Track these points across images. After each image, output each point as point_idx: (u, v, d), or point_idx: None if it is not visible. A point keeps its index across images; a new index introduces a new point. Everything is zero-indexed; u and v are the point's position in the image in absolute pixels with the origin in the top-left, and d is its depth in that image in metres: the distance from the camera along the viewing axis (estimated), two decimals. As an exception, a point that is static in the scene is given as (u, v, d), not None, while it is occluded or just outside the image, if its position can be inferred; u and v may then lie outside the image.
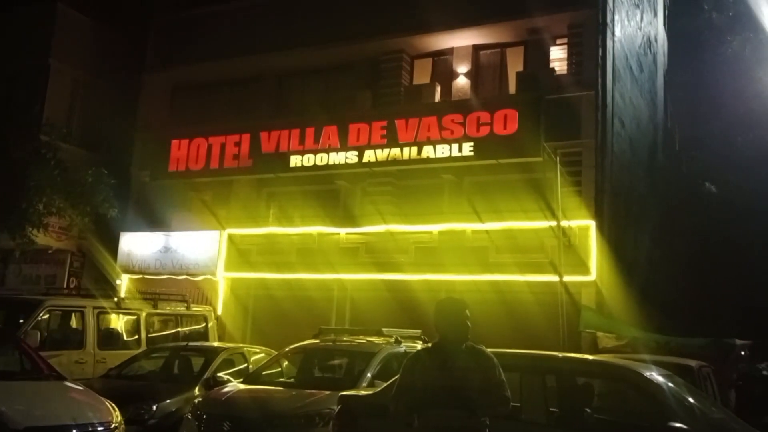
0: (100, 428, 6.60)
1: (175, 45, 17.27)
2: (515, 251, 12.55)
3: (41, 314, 10.29)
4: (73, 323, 11.09)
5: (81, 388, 7.29)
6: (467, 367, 4.54)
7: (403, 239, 13.55)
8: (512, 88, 14.06)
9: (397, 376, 6.54)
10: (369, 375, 8.40)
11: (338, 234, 14.24)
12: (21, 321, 10.02)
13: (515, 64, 14.37)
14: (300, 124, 14.59)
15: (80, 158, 15.59)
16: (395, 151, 13.59)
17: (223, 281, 14.93)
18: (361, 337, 9.79)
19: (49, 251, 16.06)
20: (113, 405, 6.98)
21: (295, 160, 14.42)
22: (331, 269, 13.86)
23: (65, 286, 15.97)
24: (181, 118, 17.02)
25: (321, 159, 14.21)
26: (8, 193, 12.58)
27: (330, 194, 14.86)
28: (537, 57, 13.98)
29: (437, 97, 14.24)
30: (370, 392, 6.86)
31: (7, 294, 13.12)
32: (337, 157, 14.07)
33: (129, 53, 17.81)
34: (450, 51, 14.73)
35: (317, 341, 9.68)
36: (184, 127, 16.27)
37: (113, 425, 6.74)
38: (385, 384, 6.79)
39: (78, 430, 6.39)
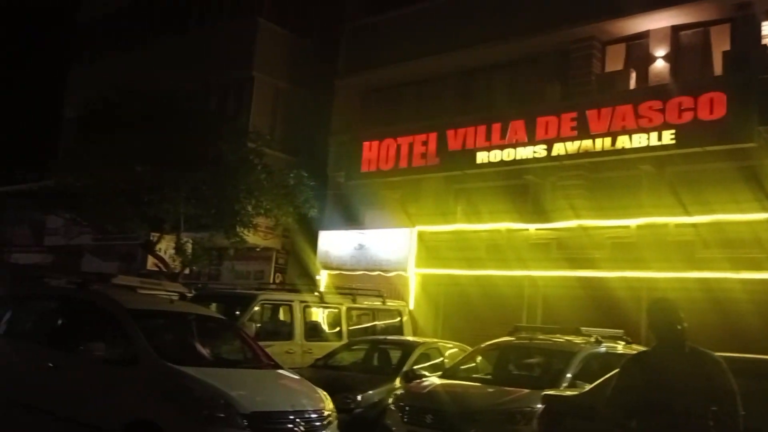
0: (314, 415, 6.98)
1: (363, 50, 17.98)
2: (726, 246, 11.52)
3: (255, 307, 11.22)
4: (282, 316, 11.98)
5: (297, 377, 7.80)
6: (691, 373, 4.22)
7: (597, 234, 13.00)
8: (718, 70, 12.92)
9: (605, 377, 6.34)
10: (569, 375, 8.18)
11: (528, 230, 14.00)
12: (237, 313, 10.99)
13: (721, 43, 13.17)
14: (486, 120, 14.54)
15: (283, 162, 16.77)
16: (587, 143, 13.08)
17: (414, 277, 15.30)
18: (557, 335, 9.56)
19: (257, 249, 17.43)
20: (326, 394, 7.40)
21: (481, 157, 14.41)
22: (522, 266, 13.66)
23: (272, 281, 17.29)
24: (371, 120, 17.70)
25: (508, 154, 14.07)
26: (223, 197, 13.80)
27: (518, 189, 14.66)
28: (746, 34, 12.68)
29: (632, 84, 13.47)
30: (576, 393, 6.68)
31: (225, 289, 14.49)
32: (525, 152, 13.85)
33: (322, 61, 18.84)
34: (646, 34, 13.85)
35: (512, 338, 9.60)
36: (375, 129, 16.89)
37: (326, 413, 7.12)
38: (591, 385, 6.58)
39: (295, 417, 6.77)
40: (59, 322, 7.71)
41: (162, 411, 6.27)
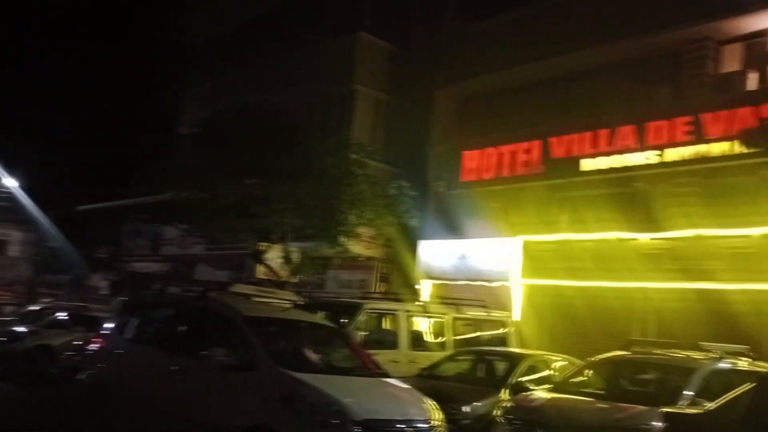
0: (423, 425, 7.00)
1: (462, 60, 17.94)
2: None
3: (361, 316, 11.38)
4: (387, 325, 12.08)
5: (406, 386, 7.85)
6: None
7: (714, 244, 12.35)
8: None
9: (732, 395, 6.00)
10: (689, 392, 7.77)
11: (638, 239, 13.49)
12: (343, 321, 11.18)
13: None
14: (592, 126, 14.20)
15: (384, 173, 17.01)
16: (702, 148, 12.50)
17: (517, 288, 15.06)
18: (674, 350, 9.12)
19: (360, 258, 17.72)
20: (435, 404, 7.40)
21: (587, 164, 14.06)
22: (632, 277, 13.17)
23: (374, 290, 17.50)
24: (471, 129, 17.62)
25: (616, 161, 13.64)
26: (327, 208, 14.14)
27: (627, 197, 14.15)
28: None
29: (752, 85, 12.73)
30: (699, 411, 6.37)
31: (330, 297, 14.80)
32: (635, 158, 13.41)
33: (421, 71, 18.96)
34: (765, 32, 13.08)
35: (626, 353, 9.25)
36: (475, 138, 16.82)
37: (435, 423, 7.12)
38: (714, 403, 6.25)
39: (405, 426, 6.83)
40: (181, 328, 8.13)
41: (279, 416, 6.48)
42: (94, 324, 16.68)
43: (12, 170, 34.34)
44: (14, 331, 17.04)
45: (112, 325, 9.52)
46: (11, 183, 34.43)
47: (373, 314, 11.82)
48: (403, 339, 11.53)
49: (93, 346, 9.40)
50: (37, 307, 21.94)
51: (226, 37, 23.48)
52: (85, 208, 24.23)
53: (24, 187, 34.06)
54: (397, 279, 17.86)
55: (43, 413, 11.34)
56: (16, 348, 16.29)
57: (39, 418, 10.93)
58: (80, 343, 15.14)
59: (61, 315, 18.03)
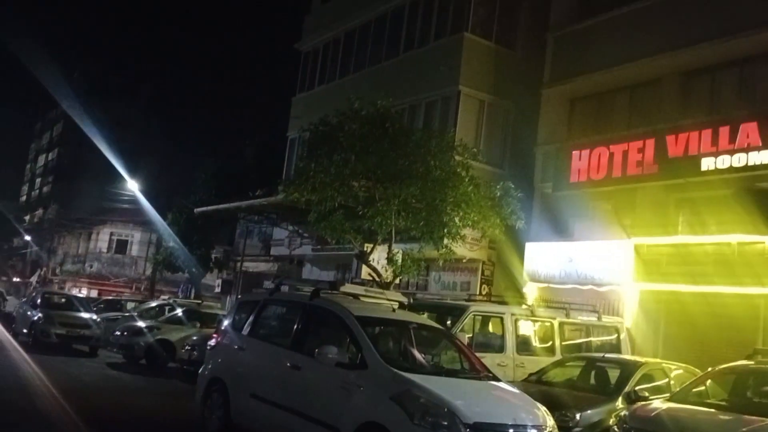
0: (533, 431, 6.90)
1: (570, 58, 17.48)
2: None
3: (467, 318, 11.33)
4: (493, 328, 11.97)
5: (516, 390, 7.77)
6: None
7: None
8: None
9: None
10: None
11: (763, 243, 12.62)
12: (449, 323, 11.17)
13: None
14: (712, 124, 13.44)
15: (489, 174, 16.86)
16: (835, 145, 11.55)
17: (630, 292, 14.49)
18: (806, 361, 8.53)
19: (464, 260, 17.63)
20: (546, 410, 7.27)
21: (707, 163, 13.32)
22: (756, 282, 12.34)
23: (478, 292, 17.38)
24: (580, 129, 17.14)
25: (739, 160, 12.86)
26: (432, 210, 14.16)
27: (751, 198, 13.29)
28: None
29: None
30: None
31: (435, 299, 14.83)
32: (759, 157, 12.58)
33: (527, 71, 18.66)
34: None
35: (751, 362, 8.73)
36: (584, 138, 16.35)
37: (547, 429, 7.00)
38: None
39: (516, 430, 6.76)
40: (295, 326, 8.39)
41: (390, 415, 6.57)
42: (210, 320, 17.59)
43: (134, 174, 36.75)
44: (135, 326, 18.18)
45: (228, 322, 9.97)
46: (133, 186, 36.80)
47: (479, 317, 11.75)
48: (510, 343, 11.40)
49: (212, 342, 9.87)
50: (156, 304, 23.36)
51: (335, 42, 24.07)
52: (202, 210, 25.47)
53: (144, 191, 36.34)
54: (502, 282, 17.63)
55: (165, 403, 12.07)
56: (138, 341, 17.38)
57: (161, 406, 11.66)
58: (196, 338, 16.00)
59: (179, 311, 19.06)
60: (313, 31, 25.37)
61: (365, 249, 15.47)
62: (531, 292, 16.29)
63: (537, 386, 9.76)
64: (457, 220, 14.43)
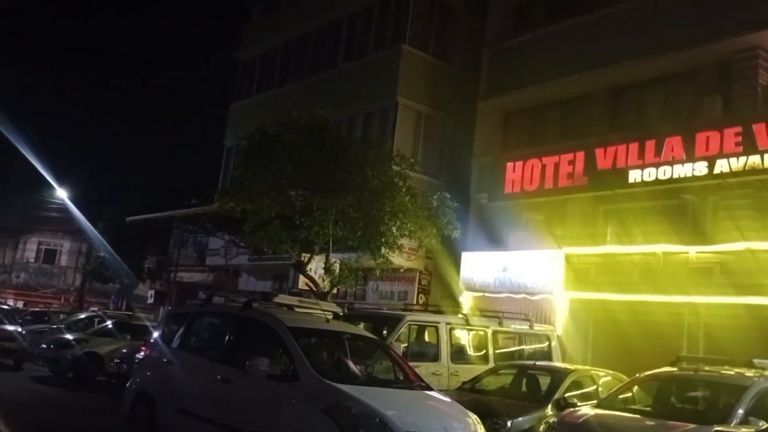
0: (465, 440, 6.95)
1: (505, 72, 17.89)
2: None
3: (402, 328, 11.34)
4: (428, 337, 12.03)
5: (448, 399, 7.81)
6: None
7: (767, 258, 11.97)
8: None
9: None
10: (741, 411, 7.55)
11: (687, 253, 13.15)
12: (385, 333, 11.17)
13: None
14: (638, 138, 13.93)
15: (426, 185, 17.01)
16: (754, 159, 12.17)
17: (561, 301, 14.84)
18: (726, 367, 8.88)
19: (401, 270, 17.70)
20: (477, 418, 7.33)
21: (634, 176, 13.80)
22: (680, 291, 12.84)
23: (415, 301, 17.46)
24: (514, 141, 17.54)
25: (664, 172, 13.37)
26: (369, 220, 14.17)
27: (675, 210, 13.87)
28: None
29: (806, 95, 12.38)
30: (751, 431, 6.16)
31: (372, 309, 14.81)
32: (683, 170, 13.10)
33: (464, 84, 18.97)
34: (820, 40, 12.73)
35: (674, 369, 9.04)
36: (518, 150, 16.70)
37: (477, 437, 7.06)
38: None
39: (447, 440, 6.80)
40: (226, 338, 8.23)
41: (321, 427, 6.50)
42: (141, 332, 17.09)
43: (62, 182, 35.44)
44: (63, 338, 17.51)
45: (157, 334, 9.69)
46: (62, 194, 35.51)
47: (414, 326, 11.79)
48: (445, 352, 11.47)
49: (140, 355, 9.58)
50: (85, 315, 22.55)
51: (273, 51, 23.91)
52: (134, 219, 24.78)
53: (73, 199, 35.10)
54: (438, 291, 17.80)
55: (91, 419, 11.63)
56: (65, 355, 16.72)
57: (87, 423, 11.22)
58: (126, 351, 15.50)
59: (109, 323, 18.46)
60: (251, 39, 25.15)
61: (302, 259, 15.34)
62: (467, 300, 16.50)
63: (470, 394, 9.87)
64: (394, 230, 14.46)
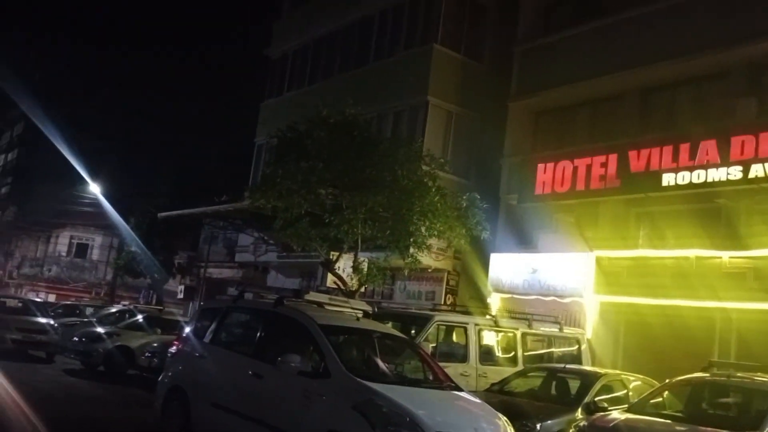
0: (495, 441, 6.95)
1: (536, 72, 17.77)
2: None
3: (431, 328, 11.37)
4: (457, 338, 12.03)
5: (477, 400, 7.81)
6: None
7: (801, 265, 11.77)
8: None
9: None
10: (776, 418, 7.44)
11: (720, 258, 12.98)
12: (413, 333, 11.19)
13: None
14: (672, 140, 13.79)
15: (455, 185, 16.98)
16: (789, 164, 11.94)
17: (591, 304, 14.72)
18: (759, 374, 8.75)
19: (429, 270, 17.70)
20: (507, 420, 7.33)
21: (667, 179, 13.65)
22: (713, 296, 12.66)
23: (443, 302, 17.45)
24: (545, 142, 17.42)
25: (698, 176, 13.21)
26: (398, 219, 14.20)
27: (709, 214, 13.65)
28: None
29: None
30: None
31: (400, 308, 14.84)
32: (718, 174, 12.93)
33: (495, 84, 18.89)
34: None
35: (706, 375, 8.93)
36: (549, 151, 16.60)
37: (510, 439, 7.06)
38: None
39: (477, 440, 6.81)
40: (258, 334, 8.32)
41: (352, 424, 6.55)
42: (171, 327, 17.32)
43: (95, 176, 36.04)
44: (95, 331, 17.79)
45: (190, 329, 9.84)
46: (95, 189, 36.11)
47: (443, 326, 11.80)
48: (473, 353, 11.46)
49: (173, 349, 9.73)
50: (116, 309, 22.92)
51: (304, 49, 24.05)
52: (165, 215, 25.13)
53: (106, 194, 35.67)
54: (466, 292, 17.76)
55: (127, 412, 11.84)
56: (97, 348, 16.99)
57: (123, 416, 11.42)
58: (157, 345, 15.72)
59: (140, 317, 18.73)
60: (282, 37, 25.30)
61: (331, 257, 15.42)
62: (495, 302, 16.44)
63: (499, 396, 9.83)
64: (423, 229, 14.45)
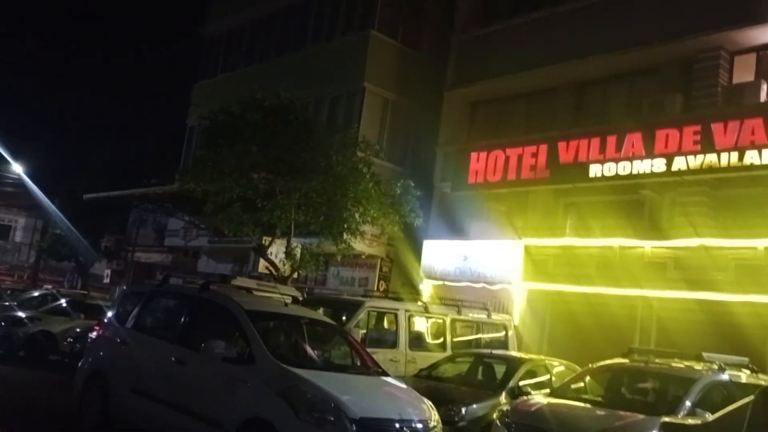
0: (419, 426, 6.98)
1: (473, 62, 17.90)
2: None
3: (362, 314, 11.34)
4: (387, 324, 12.07)
5: (404, 385, 7.85)
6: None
7: (720, 255, 12.27)
8: None
9: (733, 407, 5.96)
10: (689, 403, 7.73)
11: (643, 247, 13.42)
12: (344, 319, 11.16)
13: None
14: (600, 133, 14.13)
15: (390, 172, 17.00)
16: (711, 158, 12.42)
17: (519, 291, 15.02)
18: (676, 360, 9.10)
19: (363, 256, 17.71)
20: (432, 405, 7.39)
21: (594, 170, 14.00)
22: (635, 284, 13.09)
23: (375, 288, 17.49)
24: (479, 132, 17.61)
25: (624, 168, 13.59)
26: (332, 205, 14.12)
27: (633, 205, 14.11)
28: None
29: (763, 96, 12.68)
30: (698, 422, 6.34)
31: (331, 294, 14.77)
32: (642, 166, 13.33)
33: (432, 72, 18.96)
34: (779, 43, 13.03)
35: (626, 361, 9.23)
36: (483, 140, 16.78)
37: (432, 424, 7.11)
38: (715, 415, 6.23)
39: (402, 425, 6.81)
40: (182, 319, 8.12)
41: (276, 410, 6.48)
42: (95, 312, 16.78)
43: (19, 156, 34.40)
44: (15, 316, 17.10)
45: (111, 314, 9.53)
46: (18, 169, 34.49)
47: (374, 313, 11.80)
48: (403, 339, 11.50)
49: (93, 334, 9.41)
50: (38, 293, 22.03)
51: (240, 30, 23.54)
52: (92, 196, 24.24)
53: (30, 174, 34.11)
54: (399, 278, 17.85)
55: (44, 395, 11.41)
56: (17, 332, 16.35)
57: (39, 398, 11.00)
58: (79, 330, 15.21)
59: (62, 302, 18.09)
60: (217, 16, 24.72)
61: (263, 242, 15.21)
62: (427, 288, 16.57)
63: (426, 381, 9.93)
64: (357, 216, 14.40)
